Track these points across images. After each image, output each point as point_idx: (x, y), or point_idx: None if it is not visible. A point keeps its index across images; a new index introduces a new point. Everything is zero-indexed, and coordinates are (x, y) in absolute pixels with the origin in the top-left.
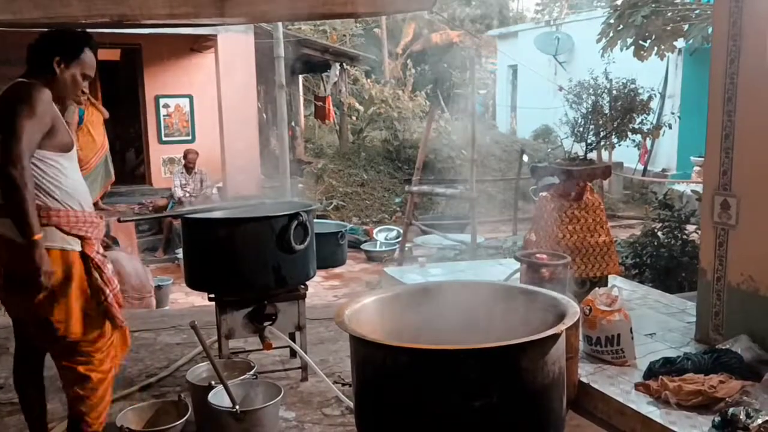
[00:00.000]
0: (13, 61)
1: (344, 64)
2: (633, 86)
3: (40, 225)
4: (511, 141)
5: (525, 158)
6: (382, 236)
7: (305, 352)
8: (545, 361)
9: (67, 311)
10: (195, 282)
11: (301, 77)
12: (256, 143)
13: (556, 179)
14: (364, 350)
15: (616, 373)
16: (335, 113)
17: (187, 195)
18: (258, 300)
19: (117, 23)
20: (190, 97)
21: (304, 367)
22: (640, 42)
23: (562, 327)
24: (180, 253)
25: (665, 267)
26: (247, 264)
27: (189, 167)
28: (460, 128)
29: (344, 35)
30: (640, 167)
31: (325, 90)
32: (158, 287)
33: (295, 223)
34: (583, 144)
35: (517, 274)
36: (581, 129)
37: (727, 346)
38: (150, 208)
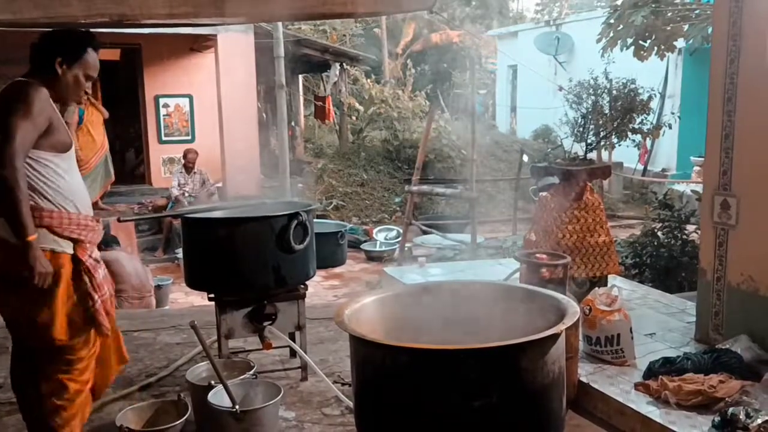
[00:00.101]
0: (15, 60)
1: (344, 64)
2: (633, 86)
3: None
4: (511, 141)
5: (525, 158)
6: (382, 236)
7: (305, 352)
8: (545, 361)
9: (51, 314)
10: (195, 282)
11: (301, 77)
12: (256, 143)
13: (556, 179)
14: (363, 350)
15: (615, 373)
16: (335, 113)
17: (185, 194)
18: (258, 300)
19: (117, 23)
20: (190, 97)
21: (304, 367)
22: (640, 42)
23: (561, 327)
24: (180, 252)
25: (665, 267)
26: (246, 264)
27: (188, 167)
28: (460, 128)
29: (344, 35)
30: (640, 167)
31: (325, 90)
32: (158, 287)
33: (295, 222)
34: (583, 144)
35: (517, 274)
36: (581, 129)
37: (727, 346)
38: (150, 208)
